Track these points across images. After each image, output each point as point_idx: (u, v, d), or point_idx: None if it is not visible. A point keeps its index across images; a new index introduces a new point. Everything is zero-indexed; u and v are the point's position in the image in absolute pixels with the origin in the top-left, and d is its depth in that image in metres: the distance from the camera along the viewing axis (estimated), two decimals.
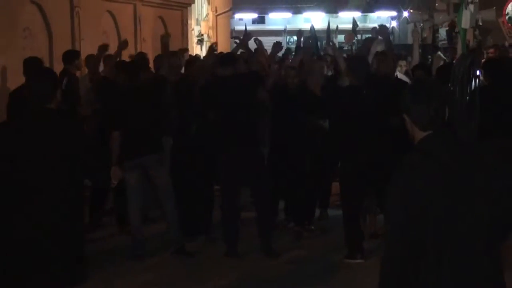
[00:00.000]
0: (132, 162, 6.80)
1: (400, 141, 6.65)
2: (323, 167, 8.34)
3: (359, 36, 28.78)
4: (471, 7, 7.14)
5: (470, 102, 4.91)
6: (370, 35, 11.38)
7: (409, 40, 29.90)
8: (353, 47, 27.70)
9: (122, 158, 6.75)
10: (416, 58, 10.48)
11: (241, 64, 7.53)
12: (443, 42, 23.10)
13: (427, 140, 2.95)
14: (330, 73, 9.79)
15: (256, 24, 31.60)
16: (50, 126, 4.20)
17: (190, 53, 19.02)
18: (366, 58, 7.62)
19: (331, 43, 10.56)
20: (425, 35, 25.02)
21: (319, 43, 30.88)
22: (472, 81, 3.24)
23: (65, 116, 4.51)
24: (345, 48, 34.20)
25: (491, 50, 11.63)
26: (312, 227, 8.00)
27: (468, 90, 3.40)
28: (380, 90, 6.64)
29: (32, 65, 7.36)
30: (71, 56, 8.92)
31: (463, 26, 7.09)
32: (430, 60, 15.84)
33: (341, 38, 35.69)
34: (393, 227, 2.87)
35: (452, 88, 3.26)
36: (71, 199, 4.14)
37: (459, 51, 7.05)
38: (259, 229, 7.07)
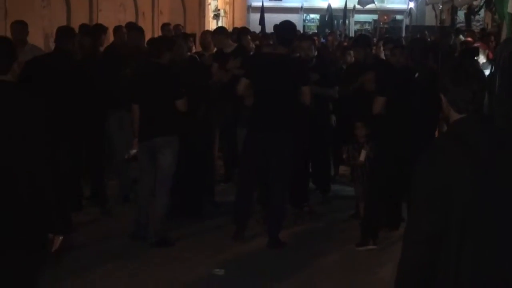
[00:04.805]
0: (143, 144, 6.70)
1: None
2: (324, 148, 8.27)
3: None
4: None
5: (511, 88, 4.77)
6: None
7: (427, 22, 29.72)
8: (385, 25, 27.41)
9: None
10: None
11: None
12: (461, 24, 22.93)
13: (460, 123, 2.88)
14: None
15: (272, 1, 31.51)
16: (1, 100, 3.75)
17: (206, 28, 18.97)
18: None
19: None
20: (443, 17, 24.80)
21: (335, 22, 30.82)
22: None
23: (24, 90, 3.95)
24: (366, 27, 34.06)
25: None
26: (306, 207, 7.88)
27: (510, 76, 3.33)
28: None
29: None
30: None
31: (509, 10, 6.91)
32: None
33: (358, 17, 35.57)
34: (417, 209, 2.81)
35: (492, 73, 3.19)
36: (21, 180, 3.66)
37: (503, 36, 6.86)
38: (269, 217, 6.92)
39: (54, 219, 3.72)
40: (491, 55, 9.47)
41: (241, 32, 10.08)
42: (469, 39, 11.91)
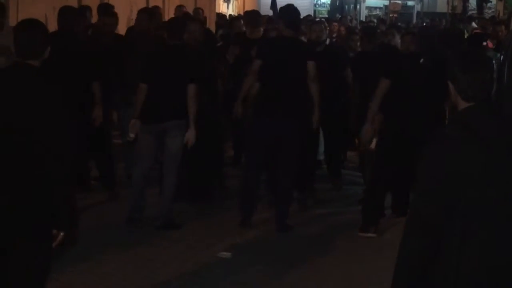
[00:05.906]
0: (151, 126, 6.57)
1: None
2: (337, 135, 8.27)
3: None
4: None
5: None
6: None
7: (439, 9, 29.54)
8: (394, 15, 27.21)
9: (142, 116, 6.55)
10: None
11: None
12: (473, 11, 22.83)
13: (467, 112, 2.86)
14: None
15: None
16: (19, 85, 3.65)
17: (217, 11, 18.94)
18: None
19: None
20: (455, 4, 24.66)
21: (346, 7, 30.68)
22: None
23: (47, 78, 3.80)
24: (377, 12, 33.86)
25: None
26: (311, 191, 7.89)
27: None
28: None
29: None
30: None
31: None
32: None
33: (369, 2, 35.34)
34: (420, 197, 2.82)
35: (501, 61, 3.18)
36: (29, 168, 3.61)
37: None
38: (277, 202, 6.91)
39: (60, 214, 3.68)
40: (490, 44, 9.46)
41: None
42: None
